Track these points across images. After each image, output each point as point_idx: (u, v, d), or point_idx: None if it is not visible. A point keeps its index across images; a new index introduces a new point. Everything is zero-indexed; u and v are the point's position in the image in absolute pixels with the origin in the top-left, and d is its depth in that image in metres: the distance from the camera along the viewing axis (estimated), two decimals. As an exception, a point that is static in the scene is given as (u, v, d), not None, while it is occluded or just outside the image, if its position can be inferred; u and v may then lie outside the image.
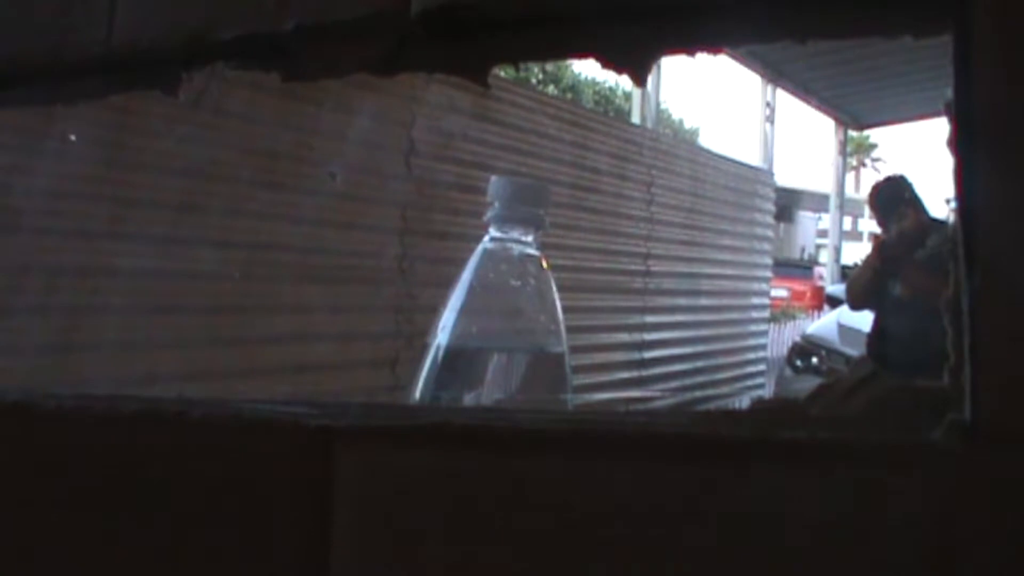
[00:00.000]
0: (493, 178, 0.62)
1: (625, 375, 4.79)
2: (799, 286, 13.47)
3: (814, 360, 4.44)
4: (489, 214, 0.61)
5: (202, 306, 2.67)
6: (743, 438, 0.27)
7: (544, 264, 0.62)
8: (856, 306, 3.37)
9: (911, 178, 3.13)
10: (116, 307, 2.41)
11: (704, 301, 5.69)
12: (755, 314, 6.48)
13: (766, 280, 6.69)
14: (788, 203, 16.84)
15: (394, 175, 3.28)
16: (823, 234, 16.29)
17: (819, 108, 8.25)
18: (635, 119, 5.90)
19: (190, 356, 2.59)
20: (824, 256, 12.72)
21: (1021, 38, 0.26)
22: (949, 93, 0.27)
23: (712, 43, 0.32)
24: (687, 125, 20.82)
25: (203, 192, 2.63)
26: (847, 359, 4.09)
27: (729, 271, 5.99)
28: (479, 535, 0.30)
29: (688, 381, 5.47)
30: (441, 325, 0.59)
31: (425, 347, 0.59)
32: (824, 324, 4.83)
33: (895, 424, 0.27)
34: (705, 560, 0.27)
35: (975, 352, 0.26)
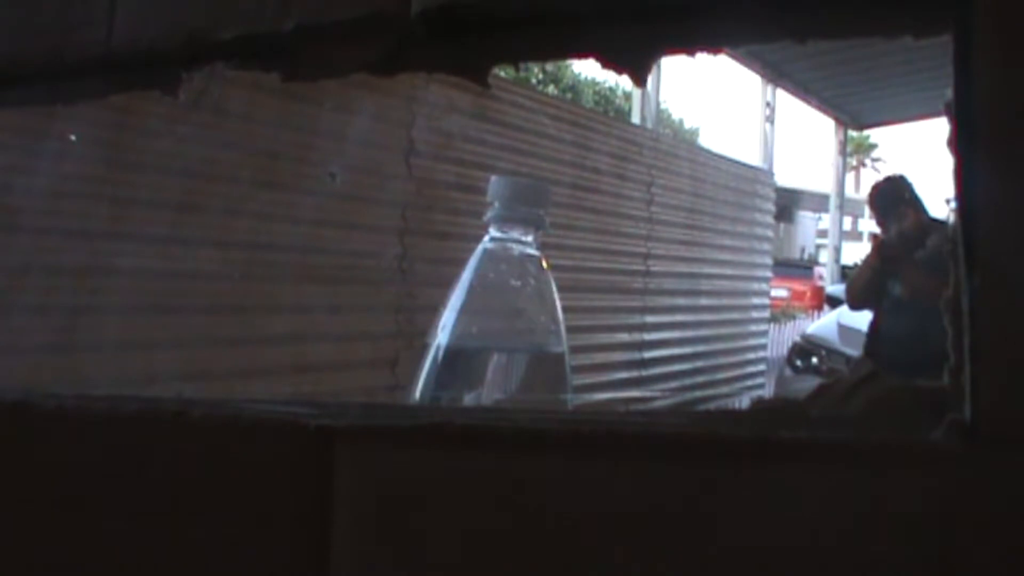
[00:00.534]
0: (493, 178, 0.62)
1: (625, 375, 4.79)
2: (799, 286, 13.47)
3: (814, 360, 4.43)
4: (489, 214, 0.61)
5: (202, 306, 2.67)
6: (743, 438, 0.27)
7: (544, 264, 0.62)
8: (856, 306, 3.37)
9: (911, 178, 3.13)
10: (116, 307, 2.41)
11: (704, 301, 5.70)
12: (755, 314, 6.48)
13: (766, 280, 6.69)
14: (788, 203, 16.84)
15: (394, 175, 3.28)
16: (823, 234, 16.29)
17: (819, 108, 8.25)
18: (635, 119, 5.90)
19: (190, 356, 2.59)
20: (824, 256, 12.72)
21: (1021, 38, 0.26)
22: (949, 93, 0.27)
23: (712, 43, 0.32)
24: (687, 125, 20.83)
25: (203, 192, 2.63)
26: (847, 359, 4.09)
27: (729, 271, 5.99)
28: (479, 535, 0.30)
29: (688, 381, 5.47)
30: (441, 325, 0.59)
31: (425, 347, 0.59)
32: (824, 324, 4.83)
33: (895, 424, 0.27)
34: (705, 560, 0.27)
35: (975, 352, 0.26)
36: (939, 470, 0.26)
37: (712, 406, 4.65)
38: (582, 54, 0.34)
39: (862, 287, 3.20)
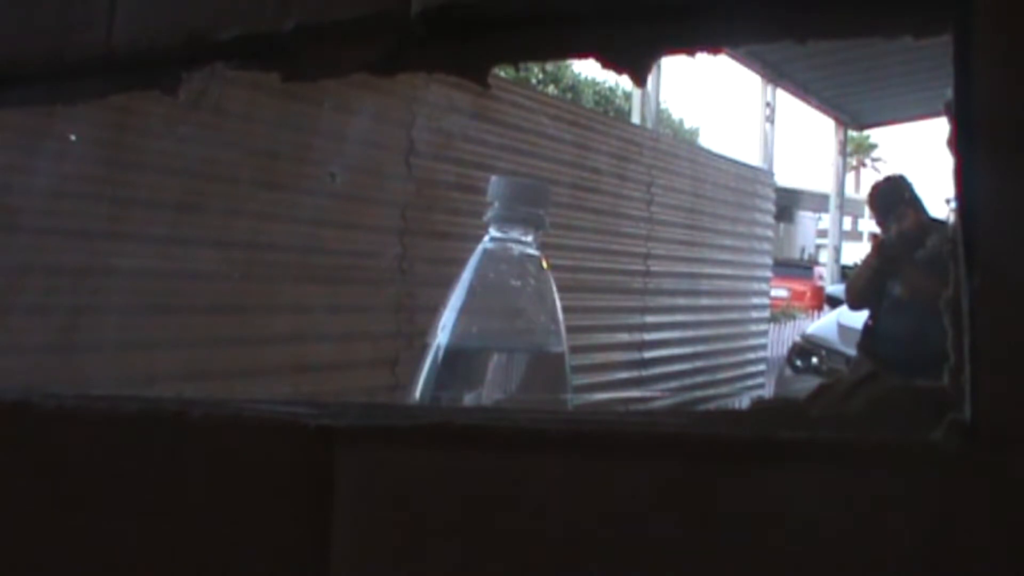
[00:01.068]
0: (493, 178, 0.62)
1: (625, 375, 4.79)
2: (799, 286, 13.47)
3: (814, 360, 4.43)
4: (489, 214, 0.61)
5: (202, 306, 2.67)
6: (743, 438, 0.27)
7: (544, 264, 0.62)
8: (856, 306, 3.37)
9: (911, 178, 3.13)
10: (116, 307, 2.41)
11: (704, 301, 5.70)
12: (755, 314, 6.49)
13: (766, 280, 6.69)
14: (788, 203, 16.84)
15: (394, 175, 3.28)
16: (823, 234, 16.29)
17: (819, 108, 8.25)
18: (635, 119, 5.90)
19: (190, 356, 2.59)
20: (824, 256, 12.72)
21: (1021, 38, 0.26)
22: (949, 93, 0.27)
23: (712, 43, 0.32)
24: (687, 125, 20.82)
25: (203, 192, 2.63)
26: (847, 359, 4.09)
27: (729, 271, 5.99)
28: (479, 535, 0.30)
29: (688, 381, 5.47)
30: (441, 325, 0.59)
31: (425, 347, 0.59)
32: (824, 324, 4.83)
33: (895, 424, 0.27)
34: (705, 560, 0.27)
35: (975, 352, 0.26)
36: (939, 470, 0.26)
37: (712, 406, 4.66)
38: (582, 54, 0.34)
39: (862, 287, 3.20)
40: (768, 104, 7.40)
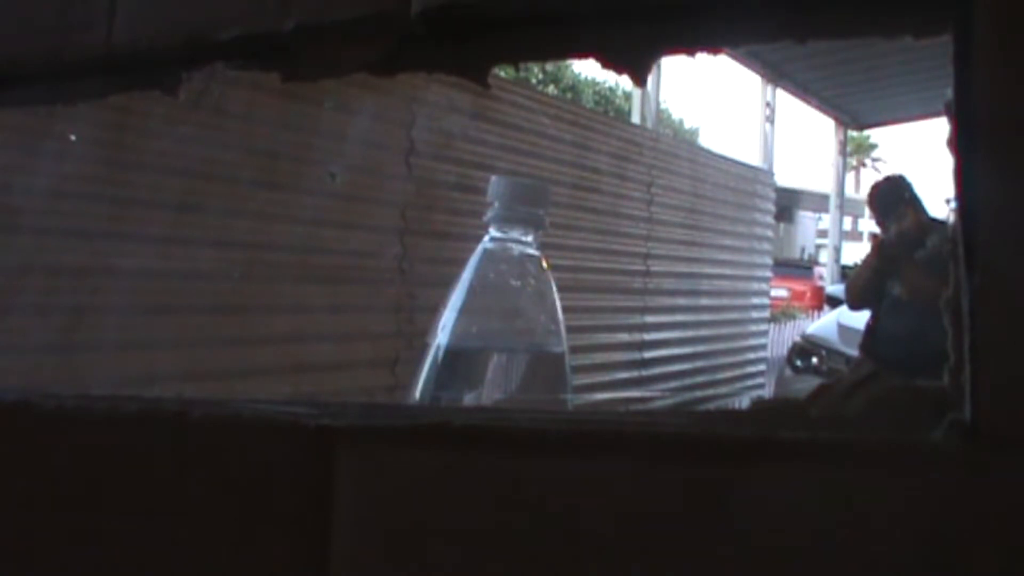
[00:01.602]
0: (493, 178, 0.62)
1: (625, 375, 4.79)
2: (799, 286, 13.47)
3: (814, 360, 4.43)
4: (489, 214, 0.61)
5: (202, 306, 2.68)
6: (743, 438, 0.27)
7: (544, 264, 0.62)
8: (855, 306, 3.37)
9: (911, 178, 3.13)
10: (116, 307, 2.41)
11: (704, 301, 5.70)
12: (755, 314, 6.49)
13: (766, 280, 6.69)
14: (788, 203, 16.84)
15: (394, 175, 3.28)
16: (823, 234, 16.29)
17: (819, 108, 8.25)
18: (635, 119, 5.90)
19: (190, 356, 2.59)
20: (824, 256, 12.73)
21: (1021, 38, 0.26)
22: (949, 93, 0.27)
23: (712, 43, 0.32)
24: (687, 125, 20.82)
25: (203, 192, 2.64)
26: (847, 359, 4.09)
27: (729, 271, 5.99)
28: (479, 535, 0.30)
29: (688, 381, 5.47)
30: (441, 325, 0.59)
31: (425, 347, 0.59)
32: (824, 324, 4.83)
33: (895, 424, 0.27)
34: (705, 560, 0.27)
35: (975, 352, 0.26)
36: (939, 470, 0.26)
37: (712, 406, 4.66)
38: (582, 54, 0.34)
39: (862, 287, 3.20)
40: (768, 104, 7.40)
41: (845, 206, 9.67)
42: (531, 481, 0.29)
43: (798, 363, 4.52)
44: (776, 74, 7.22)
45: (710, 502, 0.28)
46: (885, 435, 0.26)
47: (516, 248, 0.61)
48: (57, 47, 0.41)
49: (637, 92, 6.09)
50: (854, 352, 3.57)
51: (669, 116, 18.73)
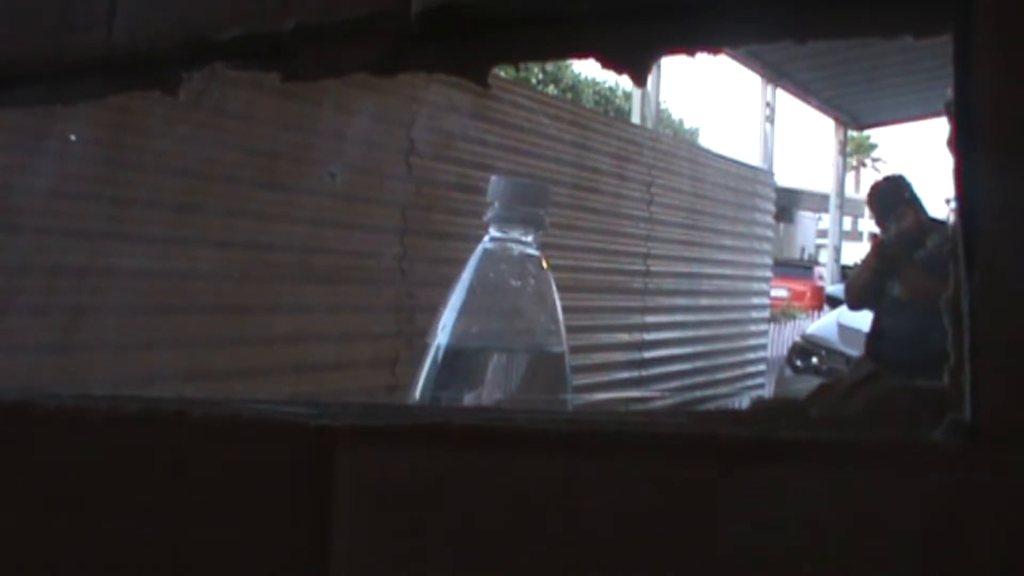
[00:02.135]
0: (493, 178, 0.62)
1: (625, 375, 4.79)
2: (799, 286, 13.47)
3: (814, 360, 4.43)
4: (489, 214, 0.61)
5: (202, 306, 2.68)
6: (743, 438, 0.27)
7: (544, 264, 0.62)
8: (855, 306, 3.37)
9: (911, 178, 3.13)
10: (116, 307, 2.41)
11: (704, 301, 5.70)
12: (755, 314, 6.49)
13: (766, 280, 6.69)
14: (788, 203, 16.84)
15: (394, 175, 3.28)
16: (823, 234, 16.28)
17: (819, 108, 8.25)
18: (635, 119, 5.90)
19: (190, 356, 2.59)
20: (824, 256, 12.72)
21: (1021, 38, 0.26)
22: (949, 93, 0.27)
23: (712, 43, 0.32)
24: (687, 125, 20.82)
25: (203, 192, 2.64)
26: (847, 359, 4.09)
27: (729, 271, 5.99)
28: (479, 535, 0.30)
29: (688, 381, 5.47)
30: (441, 325, 0.59)
31: (425, 347, 0.59)
32: (824, 324, 4.83)
33: (895, 424, 0.27)
34: (705, 560, 0.27)
35: (975, 352, 0.26)
36: (939, 470, 0.26)
37: (712, 406, 4.65)
38: (582, 54, 0.34)
39: (861, 287, 3.20)
40: (768, 104, 7.40)
41: (845, 206, 9.68)
42: (531, 481, 0.29)
43: (798, 363, 4.52)
44: (776, 74, 7.22)
45: (710, 502, 0.28)
46: (885, 435, 0.26)
47: (516, 248, 0.61)
48: (57, 47, 0.41)
49: (637, 92, 6.08)
50: (854, 352, 3.58)
51: (669, 116, 18.72)
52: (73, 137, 2.15)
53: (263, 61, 0.38)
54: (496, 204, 0.61)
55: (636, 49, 0.33)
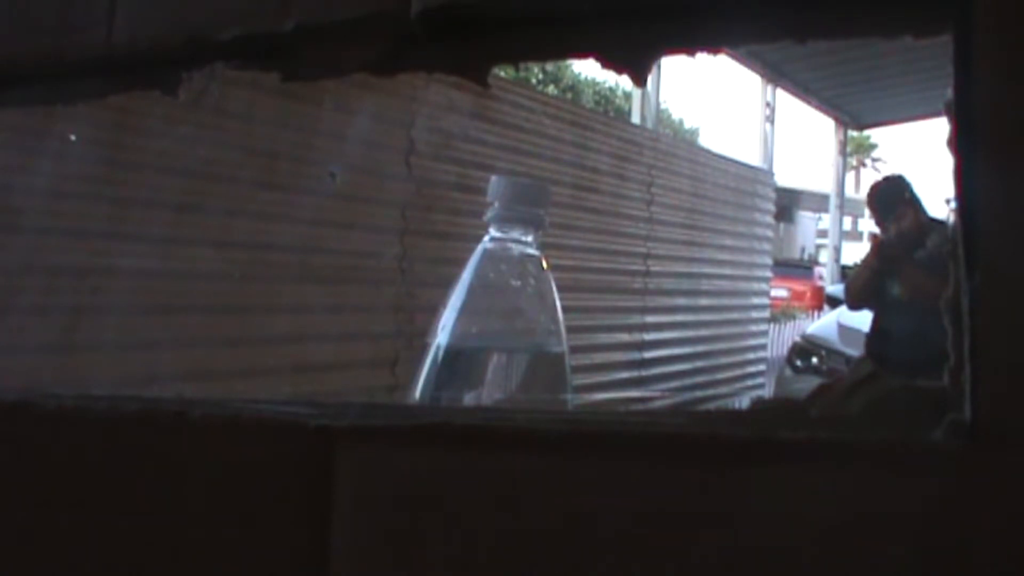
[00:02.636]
0: (493, 178, 0.62)
1: (625, 375, 4.79)
2: (799, 286, 13.47)
3: (814, 360, 4.43)
4: (489, 214, 0.61)
5: (202, 306, 2.67)
6: (743, 438, 0.27)
7: (544, 264, 0.62)
8: (855, 306, 3.37)
9: (911, 178, 3.13)
10: (116, 307, 2.41)
11: (704, 301, 5.70)
12: (755, 314, 6.48)
13: (766, 280, 6.69)
14: (788, 203, 16.84)
15: (394, 175, 3.28)
16: (823, 234, 16.29)
17: (819, 108, 8.25)
18: (635, 119, 5.90)
19: (190, 356, 2.59)
20: (824, 256, 12.73)
21: (1021, 38, 0.26)
22: (949, 93, 0.27)
23: (712, 43, 0.32)
24: (687, 125, 20.82)
25: (203, 192, 2.63)
26: (847, 359, 4.09)
27: (729, 271, 5.99)
28: (479, 535, 0.30)
29: (688, 381, 5.46)
30: (441, 325, 0.59)
31: (425, 347, 0.59)
32: (824, 324, 4.83)
33: (895, 424, 0.27)
34: (705, 560, 0.27)
35: (975, 352, 0.26)
36: (939, 470, 0.26)
37: (712, 406, 4.65)
38: (582, 54, 0.34)
39: (861, 287, 3.19)
40: (768, 104, 7.40)
41: (845, 206, 9.68)
42: (531, 481, 0.29)
43: (798, 363, 4.52)
44: (776, 74, 7.22)
45: (710, 502, 0.28)
46: (885, 435, 0.26)
47: (516, 248, 0.61)
48: (57, 47, 0.41)
49: (637, 92, 6.08)
50: (854, 352, 3.58)
51: (669, 116, 18.72)
52: (73, 137, 2.15)
53: (263, 61, 0.38)
54: (496, 204, 0.61)
55: (636, 49, 0.33)
